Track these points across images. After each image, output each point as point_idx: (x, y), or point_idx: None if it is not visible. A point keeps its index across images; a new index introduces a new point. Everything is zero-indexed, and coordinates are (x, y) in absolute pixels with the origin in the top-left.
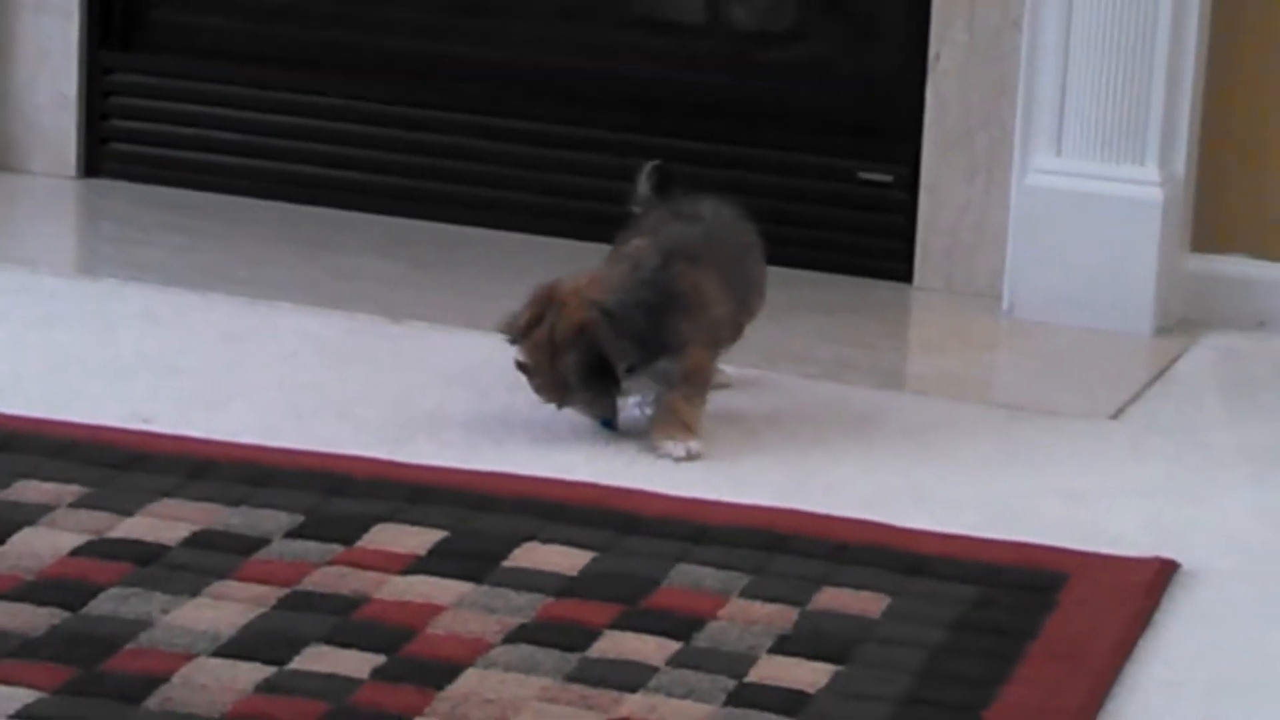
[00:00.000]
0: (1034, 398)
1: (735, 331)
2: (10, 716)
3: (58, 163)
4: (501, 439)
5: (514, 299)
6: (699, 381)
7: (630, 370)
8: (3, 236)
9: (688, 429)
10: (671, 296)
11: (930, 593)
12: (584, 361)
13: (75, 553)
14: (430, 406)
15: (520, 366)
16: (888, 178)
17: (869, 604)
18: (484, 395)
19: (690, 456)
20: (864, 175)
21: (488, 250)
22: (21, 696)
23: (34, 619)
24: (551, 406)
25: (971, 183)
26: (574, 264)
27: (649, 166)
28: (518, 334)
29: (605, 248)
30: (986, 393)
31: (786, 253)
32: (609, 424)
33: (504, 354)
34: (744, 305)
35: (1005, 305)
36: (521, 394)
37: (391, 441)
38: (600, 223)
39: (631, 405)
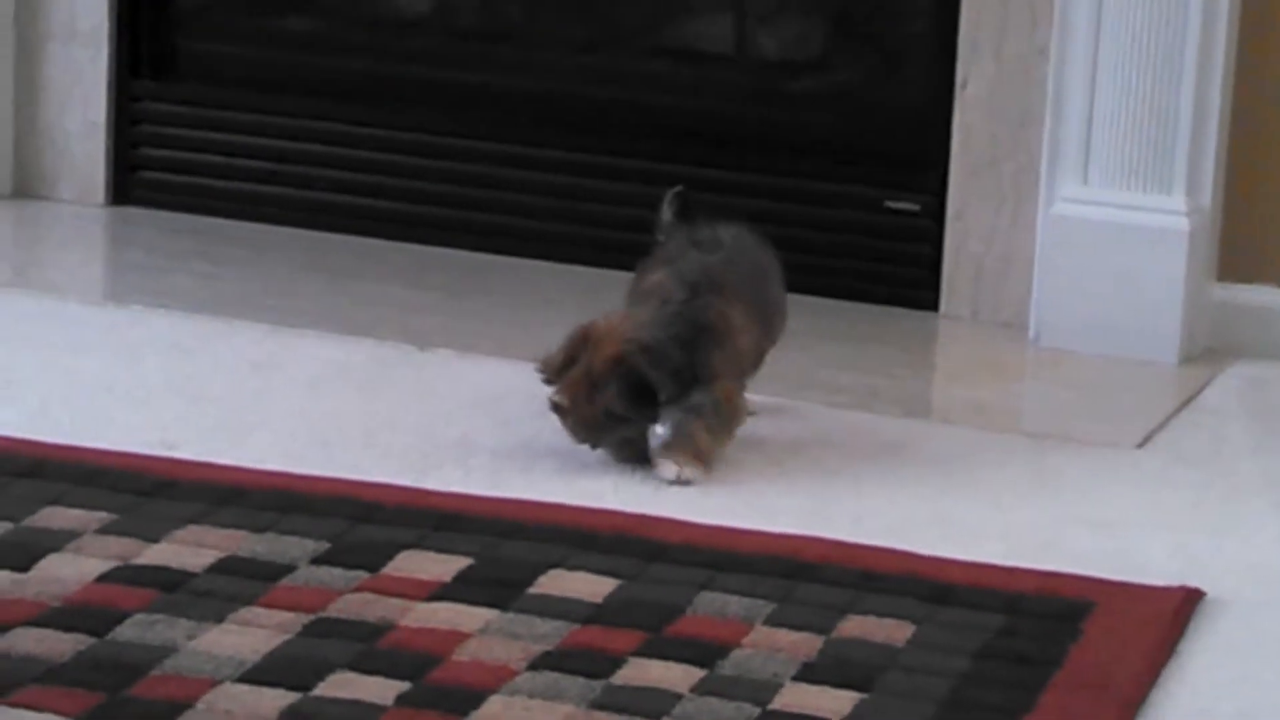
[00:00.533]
0: (1060, 427)
1: (758, 359)
2: None
3: (86, 190)
4: (528, 466)
5: (540, 327)
6: (728, 413)
7: (667, 401)
8: (31, 264)
9: (697, 458)
10: (701, 329)
11: (955, 621)
12: (626, 390)
13: (101, 579)
14: (456, 434)
15: (555, 407)
16: (914, 206)
17: (894, 632)
18: (510, 423)
19: (680, 481)
20: (891, 204)
21: (514, 278)
22: None
23: (60, 645)
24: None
25: (998, 212)
26: (601, 292)
27: (671, 193)
28: (552, 373)
29: (632, 276)
30: (1013, 422)
31: (813, 281)
32: None
33: (530, 382)
34: (768, 330)
35: (1032, 334)
36: (548, 421)
37: (417, 469)
38: (627, 251)
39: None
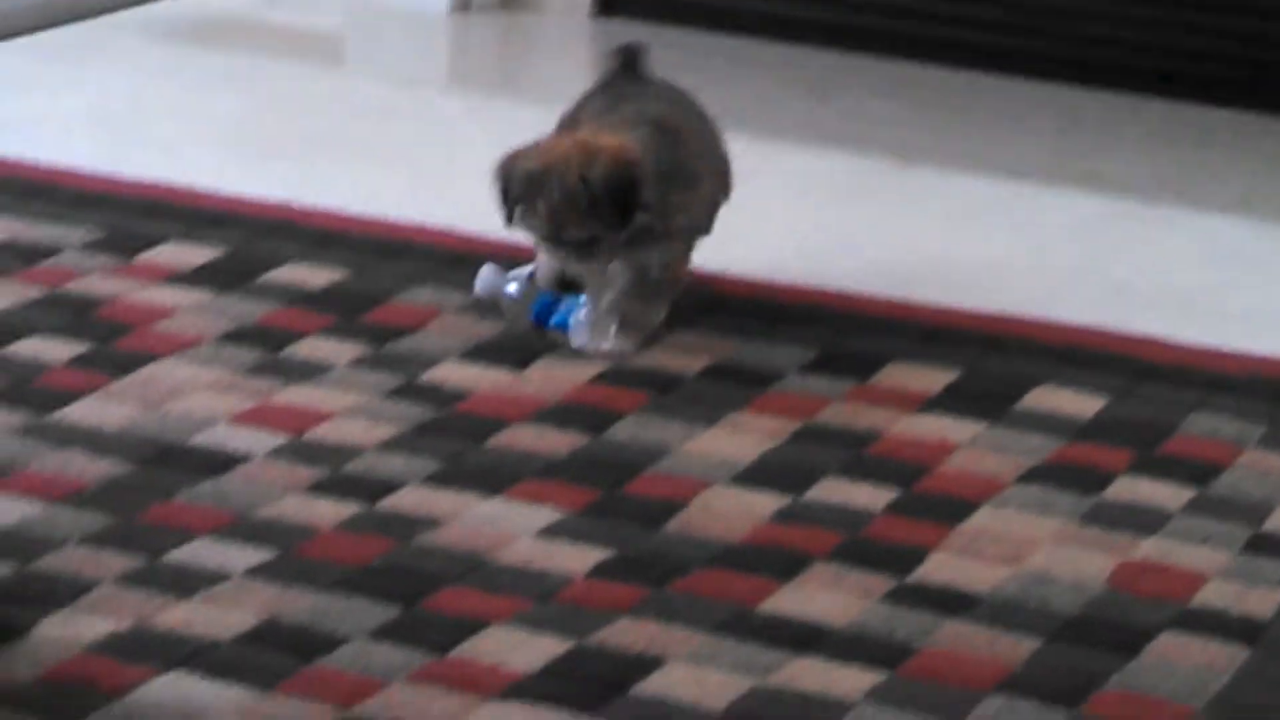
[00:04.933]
0: None
1: (713, 211)
2: (539, 533)
3: (573, 3)
4: (1004, 284)
5: (1019, 145)
6: (669, 284)
7: (630, 236)
8: (521, 72)
9: (639, 332)
10: (676, 166)
11: None
12: (614, 179)
13: (595, 380)
14: (937, 250)
15: (526, 177)
16: None
17: None
18: (987, 239)
19: (615, 352)
20: None
21: (997, 96)
22: (547, 515)
23: (557, 442)
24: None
25: None
26: (1082, 110)
27: (618, 48)
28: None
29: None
30: None
31: None
32: (549, 318)
33: (1008, 197)
34: (723, 184)
35: None
36: (1027, 233)
37: (901, 283)
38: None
39: (581, 307)
